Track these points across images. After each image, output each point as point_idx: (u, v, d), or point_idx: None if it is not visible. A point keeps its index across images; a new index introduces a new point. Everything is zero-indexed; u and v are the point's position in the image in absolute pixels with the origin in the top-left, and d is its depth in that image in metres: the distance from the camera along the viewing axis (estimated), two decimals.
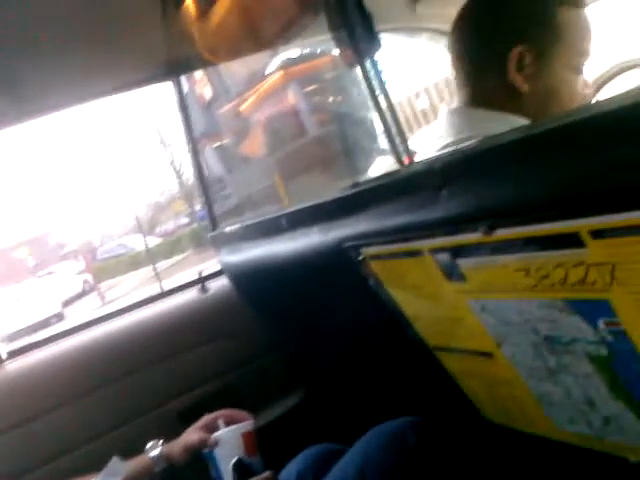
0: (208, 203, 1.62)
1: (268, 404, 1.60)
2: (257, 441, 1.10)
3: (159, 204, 24.56)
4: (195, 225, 18.22)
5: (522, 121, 0.92)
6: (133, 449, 1.18)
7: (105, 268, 19.64)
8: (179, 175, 19.60)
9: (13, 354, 1.50)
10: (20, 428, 1.38)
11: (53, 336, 1.57)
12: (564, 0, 0.93)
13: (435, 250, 0.73)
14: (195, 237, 16.90)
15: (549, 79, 0.94)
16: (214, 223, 1.61)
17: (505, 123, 0.88)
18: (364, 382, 1.22)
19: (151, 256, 15.30)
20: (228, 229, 1.44)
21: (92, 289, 17.08)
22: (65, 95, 1.42)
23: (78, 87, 1.40)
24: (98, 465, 1.10)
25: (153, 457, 1.15)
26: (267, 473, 0.99)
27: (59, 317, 14.89)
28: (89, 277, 17.92)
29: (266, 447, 1.12)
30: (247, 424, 1.11)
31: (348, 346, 1.15)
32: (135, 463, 1.15)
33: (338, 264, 0.92)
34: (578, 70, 0.96)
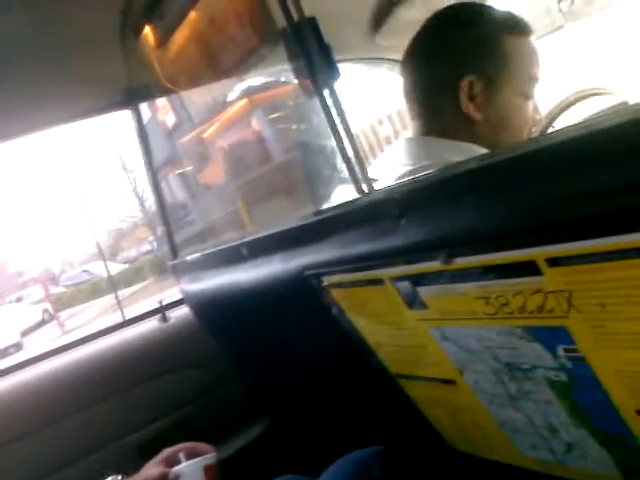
0: (168, 231, 1.60)
1: (231, 435, 1.57)
2: (220, 474, 1.08)
3: (121, 230, 24.19)
4: (157, 253, 18.00)
5: (477, 149, 0.94)
6: None
7: (65, 296, 19.19)
8: (142, 201, 19.39)
9: None
10: None
11: (11, 367, 1.52)
12: (510, 29, 0.96)
13: (396, 278, 0.73)
14: (157, 265, 16.67)
15: (500, 106, 0.96)
16: (174, 252, 1.58)
17: (461, 152, 0.90)
18: (329, 411, 1.21)
19: (113, 284, 15.01)
20: (189, 258, 1.42)
21: (52, 318, 16.66)
22: (21, 123, 1.39)
23: (34, 115, 1.37)
24: None
25: None
26: None
27: (18, 347, 14.46)
28: (48, 306, 17.48)
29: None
30: (209, 457, 1.08)
31: (311, 375, 1.14)
32: None
33: (300, 292, 0.91)
34: (528, 96, 0.99)
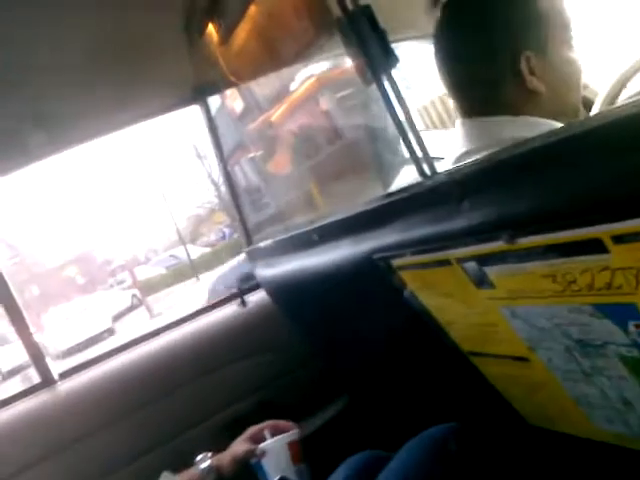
0: (242, 220, 1.66)
1: (311, 414, 1.62)
2: (303, 450, 1.12)
3: (199, 216, 24.95)
4: (228, 240, 18.45)
5: (544, 122, 0.92)
6: (183, 462, 1.22)
7: (151, 282, 20.08)
8: (217, 187, 19.89)
9: (64, 375, 1.55)
10: (74, 446, 1.43)
11: (101, 355, 1.63)
12: None
13: (462, 259, 0.74)
14: (234, 249, 17.10)
15: (557, 68, 0.94)
16: (249, 238, 1.64)
17: (528, 127, 0.88)
18: (404, 389, 1.23)
19: (194, 268, 15.57)
20: (262, 244, 1.47)
21: (140, 303, 17.47)
22: (96, 125, 1.47)
23: (108, 117, 1.45)
24: (156, 476, 1.14)
25: (203, 469, 1.18)
26: None
27: (110, 332, 15.28)
28: (136, 291, 18.36)
29: (311, 455, 1.14)
30: (292, 434, 1.13)
31: (385, 354, 1.16)
32: (186, 476, 1.18)
33: (369, 275, 0.93)
34: (571, 43, 0.96)
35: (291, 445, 1.11)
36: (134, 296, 18.36)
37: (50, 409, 1.47)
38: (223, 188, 18.62)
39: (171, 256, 21.94)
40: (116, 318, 16.60)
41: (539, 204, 0.59)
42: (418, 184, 0.75)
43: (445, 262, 0.78)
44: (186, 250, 16.93)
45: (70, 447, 1.43)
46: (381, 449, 1.16)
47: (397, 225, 0.84)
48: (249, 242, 1.62)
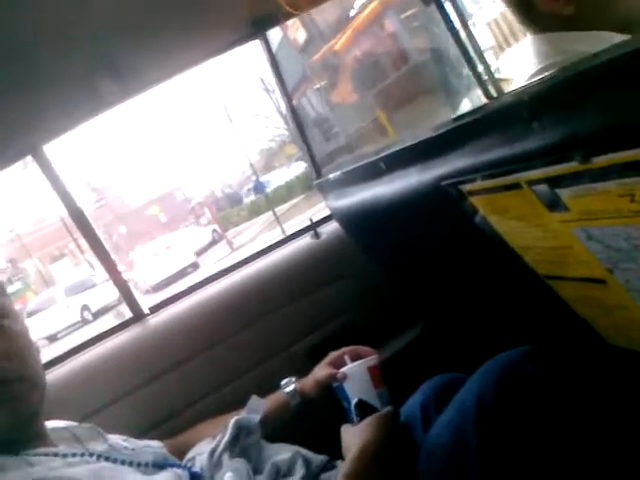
0: (310, 152, 1.66)
1: (388, 339, 1.66)
2: (382, 374, 1.15)
3: (271, 150, 25.07)
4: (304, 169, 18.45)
5: (609, 35, 0.85)
6: (268, 387, 1.29)
7: (229, 217, 20.67)
8: (286, 120, 19.82)
9: (154, 309, 1.65)
10: (164, 376, 1.53)
11: (187, 289, 1.71)
12: None
13: (533, 182, 0.71)
14: (307, 180, 17.15)
15: None
16: (318, 170, 1.64)
17: (592, 40, 0.83)
18: (478, 314, 1.23)
19: (269, 202, 15.82)
20: (331, 176, 1.47)
21: (220, 237, 18.06)
22: (162, 69, 1.49)
23: (174, 59, 1.47)
24: (239, 404, 1.21)
25: (288, 392, 1.25)
26: (388, 409, 1.03)
27: (194, 266, 15.97)
28: (216, 227, 18.95)
29: (390, 379, 1.17)
30: (372, 358, 1.16)
31: (458, 280, 1.16)
32: (273, 399, 1.25)
33: (438, 202, 0.92)
34: None
35: (371, 369, 1.14)
36: (214, 231, 19.01)
37: (142, 342, 1.56)
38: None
39: (248, 190, 22.35)
40: (199, 253, 17.27)
41: (615, 120, 0.56)
42: (485, 106, 0.72)
43: (516, 186, 0.76)
44: (257, 183, 17.01)
45: (160, 377, 1.52)
46: (457, 372, 1.18)
47: (465, 150, 0.82)
48: (318, 174, 1.63)
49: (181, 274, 15.25)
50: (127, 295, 1.63)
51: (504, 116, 0.69)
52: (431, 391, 1.15)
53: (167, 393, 1.52)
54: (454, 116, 0.84)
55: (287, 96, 1.60)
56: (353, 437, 0.97)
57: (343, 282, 1.69)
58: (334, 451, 1.11)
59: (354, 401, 1.09)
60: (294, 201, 17.86)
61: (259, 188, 17.05)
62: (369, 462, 0.91)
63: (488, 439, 0.84)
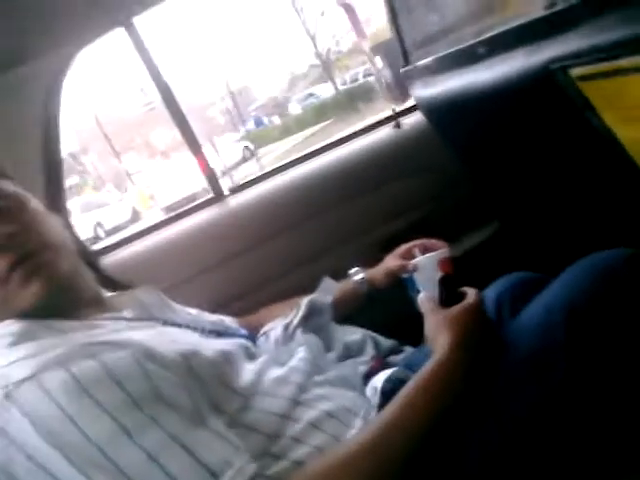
0: (399, 37, 1.56)
1: (462, 236, 1.63)
2: (453, 268, 1.13)
3: (328, 61, 24.10)
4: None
5: None
6: (339, 276, 1.31)
7: (261, 135, 19.93)
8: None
9: (234, 190, 1.67)
10: (240, 256, 1.57)
11: (266, 173, 1.72)
12: None
13: None
14: (367, 92, 16.16)
15: None
16: (406, 57, 1.56)
17: None
18: (567, 214, 1.18)
19: (300, 123, 15.01)
20: (420, 62, 1.40)
21: (252, 155, 17.04)
22: None
23: None
24: (308, 289, 1.24)
25: (357, 280, 1.26)
26: (477, 294, 0.97)
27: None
28: (249, 143, 17.97)
29: (460, 276, 1.15)
30: (443, 251, 1.13)
31: (551, 176, 1.11)
32: (342, 285, 1.27)
33: (543, 89, 0.87)
34: None
35: (442, 262, 1.11)
36: (246, 147, 17.85)
37: (220, 221, 1.60)
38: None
39: (310, 94, 21.74)
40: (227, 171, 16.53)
41: None
42: None
43: (634, 70, 0.69)
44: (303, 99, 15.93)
45: (234, 258, 1.56)
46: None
47: (579, 31, 0.76)
48: (407, 61, 1.55)
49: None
50: (210, 176, 1.66)
51: None
52: (508, 287, 1.12)
53: (239, 274, 1.57)
54: None
55: None
56: (444, 321, 0.92)
57: (422, 175, 1.65)
58: (401, 339, 1.13)
59: (439, 275, 1.06)
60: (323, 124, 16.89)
61: (258, 123, 16.33)
62: (464, 352, 0.87)
63: (577, 340, 0.80)
